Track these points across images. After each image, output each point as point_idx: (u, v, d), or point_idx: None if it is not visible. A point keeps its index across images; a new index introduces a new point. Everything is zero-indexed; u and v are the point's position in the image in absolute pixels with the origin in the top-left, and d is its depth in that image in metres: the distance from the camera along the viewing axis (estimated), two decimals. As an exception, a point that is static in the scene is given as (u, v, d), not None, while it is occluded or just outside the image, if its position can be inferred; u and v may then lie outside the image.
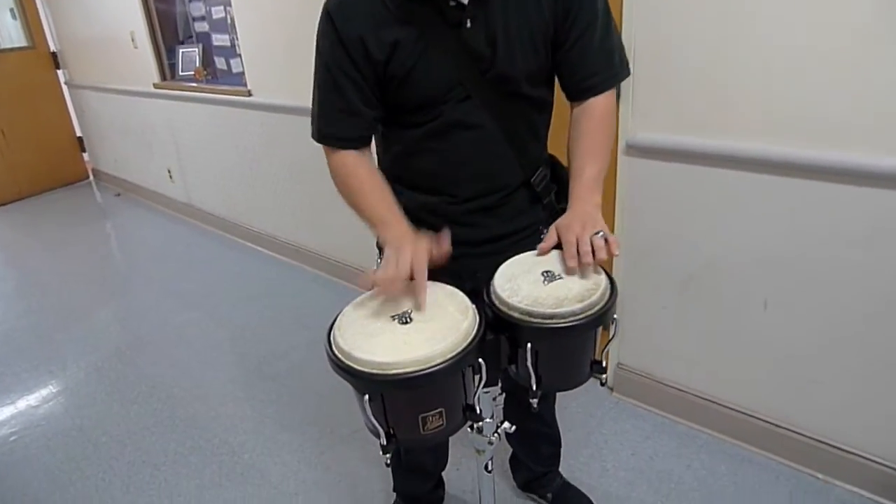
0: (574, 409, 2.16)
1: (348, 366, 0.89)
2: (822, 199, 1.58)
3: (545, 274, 1.03)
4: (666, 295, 1.97)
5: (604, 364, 1.09)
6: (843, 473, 1.79)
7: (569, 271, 1.03)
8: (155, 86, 4.17)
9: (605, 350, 1.07)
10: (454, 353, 0.89)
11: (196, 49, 3.97)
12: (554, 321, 0.95)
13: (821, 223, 1.60)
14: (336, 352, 0.92)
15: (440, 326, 0.92)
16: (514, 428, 1.27)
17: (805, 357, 1.76)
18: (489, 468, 1.30)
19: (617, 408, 2.18)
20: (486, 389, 1.13)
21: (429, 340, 0.89)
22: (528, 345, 0.98)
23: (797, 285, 1.70)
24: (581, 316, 0.96)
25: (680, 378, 2.07)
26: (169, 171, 4.56)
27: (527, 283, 1.01)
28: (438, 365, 0.87)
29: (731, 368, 1.93)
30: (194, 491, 2.00)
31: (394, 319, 0.95)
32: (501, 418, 1.26)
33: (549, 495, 1.79)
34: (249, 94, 3.36)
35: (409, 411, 0.94)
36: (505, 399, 1.29)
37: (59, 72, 5.53)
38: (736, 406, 1.96)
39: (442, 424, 0.97)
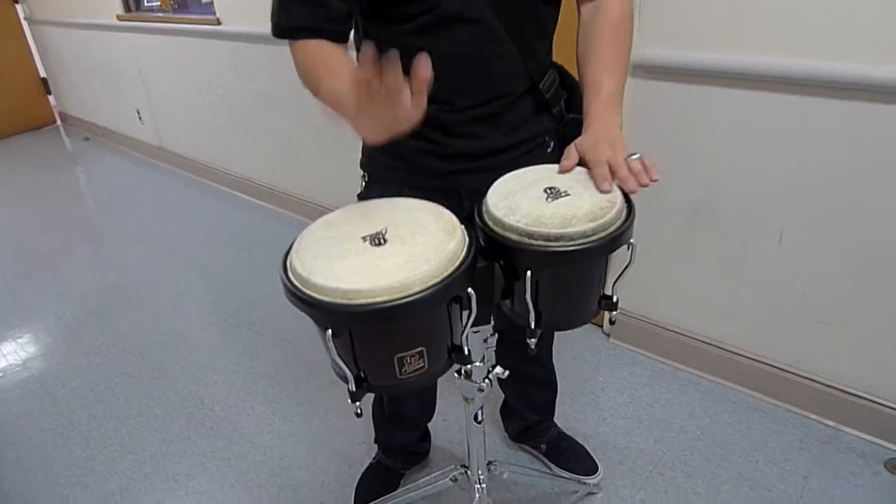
0: (568, 355, 2.03)
1: (307, 295, 0.72)
2: (844, 119, 1.41)
3: (548, 191, 0.86)
4: (670, 230, 1.81)
5: (614, 299, 0.93)
6: (855, 420, 1.68)
7: (581, 188, 0.86)
8: (118, 17, 3.87)
9: (618, 282, 0.91)
10: (437, 280, 0.72)
11: (160, -24, 3.67)
12: (560, 244, 0.78)
13: (843, 145, 1.44)
14: (292, 278, 0.75)
15: (421, 249, 0.75)
16: (507, 373, 1.12)
17: (820, 296, 1.62)
18: (479, 418, 1.15)
19: (614, 354, 2.05)
20: (476, 328, 0.98)
21: (407, 264, 0.73)
22: (528, 273, 0.81)
23: (816, 215, 1.54)
24: (593, 238, 0.79)
25: (681, 321, 1.93)
26: (138, 112, 4.30)
27: (527, 200, 0.84)
28: (418, 294, 0.70)
29: (738, 310, 1.79)
30: (160, 445, 1.85)
31: (365, 241, 0.78)
32: (493, 362, 1.11)
33: (543, 446, 1.66)
34: (219, 23, 3.10)
35: (382, 351, 0.78)
36: (497, 340, 1.13)
37: (18, 6, 5.16)
38: (741, 350, 1.83)
39: (423, 367, 0.81)
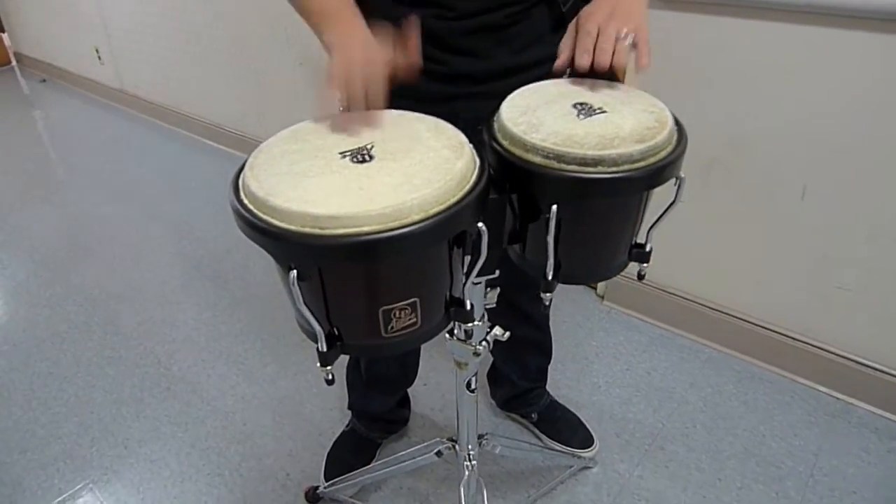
0: (558, 317, 1.88)
1: (264, 221, 0.54)
2: (882, 55, 1.25)
3: (579, 106, 0.68)
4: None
5: (647, 248, 0.76)
6: (868, 393, 1.56)
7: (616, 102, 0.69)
8: (73, -57, 3.54)
9: (654, 227, 0.74)
10: (443, 208, 0.55)
11: None
12: (598, 170, 0.61)
13: (878, 88, 1.28)
14: (245, 200, 0.57)
15: (420, 168, 0.57)
16: (507, 335, 0.96)
17: (840, 259, 1.48)
18: (472, 386, 0.99)
19: (608, 317, 1.90)
20: (478, 279, 0.81)
21: (401, 186, 0.55)
22: (553, 208, 0.64)
23: (842, 168, 1.39)
24: (640, 164, 0.62)
25: (682, 284, 1.78)
26: (97, 51, 3.98)
27: (552, 116, 0.67)
28: (416, 224, 0.53)
29: (747, 272, 1.65)
30: (109, 407, 1.67)
31: (344, 157, 0.59)
32: (490, 319, 0.94)
33: (535, 415, 1.52)
34: (183, -51, 2.82)
35: (363, 301, 0.61)
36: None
37: (-35, -69, 4.74)
38: (747, 316, 1.69)
39: (415, 323, 0.64)
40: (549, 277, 0.72)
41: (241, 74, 2.94)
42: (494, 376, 1.55)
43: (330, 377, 0.65)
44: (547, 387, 1.54)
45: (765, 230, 1.57)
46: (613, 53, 0.71)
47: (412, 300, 0.61)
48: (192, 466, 1.49)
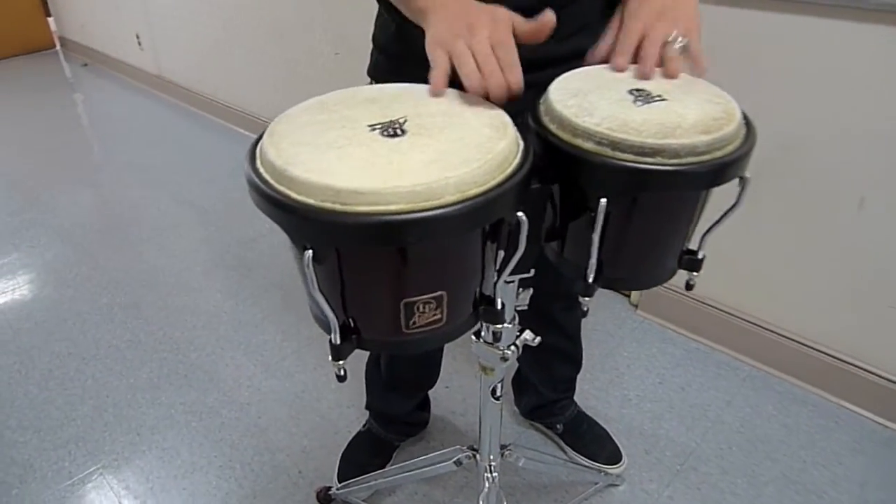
0: (589, 325, 1.80)
1: (280, 192, 0.48)
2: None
3: (636, 92, 0.62)
4: (723, 188, 1.56)
5: (700, 255, 0.69)
6: (921, 424, 1.46)
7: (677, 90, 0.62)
8: (119, -71, 3.56)
9: (710, 232, 0.67)
10: (481, 190, 0.49)
11: None
12: (658, 161, 0.54)
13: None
14: (261, 169, 0.51)
15: (458, 146, 0.51)
16: (538, 340, 0.89)
17: (898, 279, 1.39)
18: (497, 393, 0.92)
19: (641, 328, 1.82)
20: (511, 277, 0.74)
21: (436, 163, 0.49)
22: (602, 201, 0.57)
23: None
24: (705, 157, 0.55)
25: (722, 295, 1.69)
26: (137, 37, 4.01)
27: (607, 101, 0.60)
28: (451, 207, 0.47)
29: (793, 287, 1.55)
30: (125, 392, 1.64)
31: (374, 130, 0.54)
32: (519, 324, 0.88)
33: (560, 426, 1.44)
34: (225, -64, 2.81)
35: (384, 290, 0.55)
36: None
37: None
38: (791, 334, 1.59)
39: (439, 319, 0.58)
40: (590, 280, 0.65)
41: (276, 63, 2.92)
42: (519, 383, 1.48)
43: (342, 372, 0.60)
44: (574, 397, 1.47)
45: (815, 241, 1.47)
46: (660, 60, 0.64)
47: (438, 294, 0.55)
48: (203, 457, 1.45)
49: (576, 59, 0.84)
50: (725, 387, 1.62)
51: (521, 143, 0.56)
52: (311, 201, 0.47)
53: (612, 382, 1.63)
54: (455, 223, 0.47)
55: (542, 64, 0.84)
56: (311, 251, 0.49)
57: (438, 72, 0.59)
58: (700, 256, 0.70)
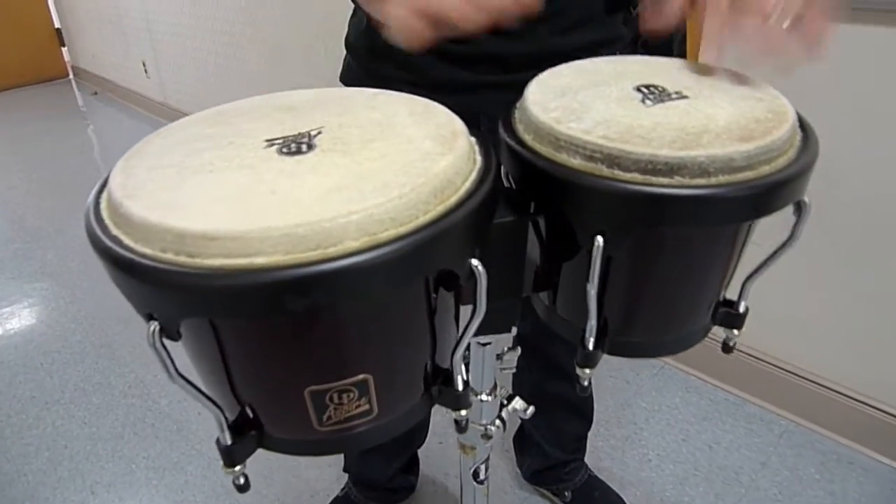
0: (602, 372, 1.61)
1: (111, 237, 0.32)
2: None
3: (645, 89, 0.45)
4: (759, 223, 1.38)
5: (741, 308, 0.52)
6: None
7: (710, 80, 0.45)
8: (126, -44, 3.52)
9: (754, 276, 0.50)
10: (404, 230, 0.32)
11: None
12: (675, 181, 0.37)
13: None
14: (101, 204, 0.35)
15: (379, 165, 0.35)
16: (530, 410, 0.71)
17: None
18: (480, 476, 0.74)
19: (662, 374, 1.63)
20: (485, 339, 0.57)
21: (339, 191, 0.32)
22: (598, 240, 0.40)
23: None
24: (748, 175, 0.38)
25: (755, 341, 1.50)
26: (144, 64, 3.96)
27: (604, 100, 0.43)
28: (354, 256, 0.30)
29: (836, 332, 1.36)
30: (85, 442, 1.48)
31: (271, 145, 0.37)
32: (508, 391, 0.70)
33: (568, 493, 1.25)
34: (226, -41, 2.73)
35: (277, 375, 0.38)
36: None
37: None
38: (835, 385, 1.39)
39: (368, 411, 0.40)
40: (590, 346, 0.48)
41: (277, 88, 2.81)
42: (521, 442, 1.29)
43: (241, 481, 0.43)
44: (585, 458, 1.28)
45: (860, 284, 1.28)
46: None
47: (359, 378, 0.38)
48: (161, 523, 1.28)
49: (580, 52, 0.67)
50: (759, 445, 1.41)
51: (480, 161, 0.39)
52: (146, 250, 0.31)
53: (628, 440, 1.44)
54: (360, 280, 0.30)
55: (543, 59, 0.66)
56: (156, 323, 0.33)
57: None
58: (742, 310, 0.53)
